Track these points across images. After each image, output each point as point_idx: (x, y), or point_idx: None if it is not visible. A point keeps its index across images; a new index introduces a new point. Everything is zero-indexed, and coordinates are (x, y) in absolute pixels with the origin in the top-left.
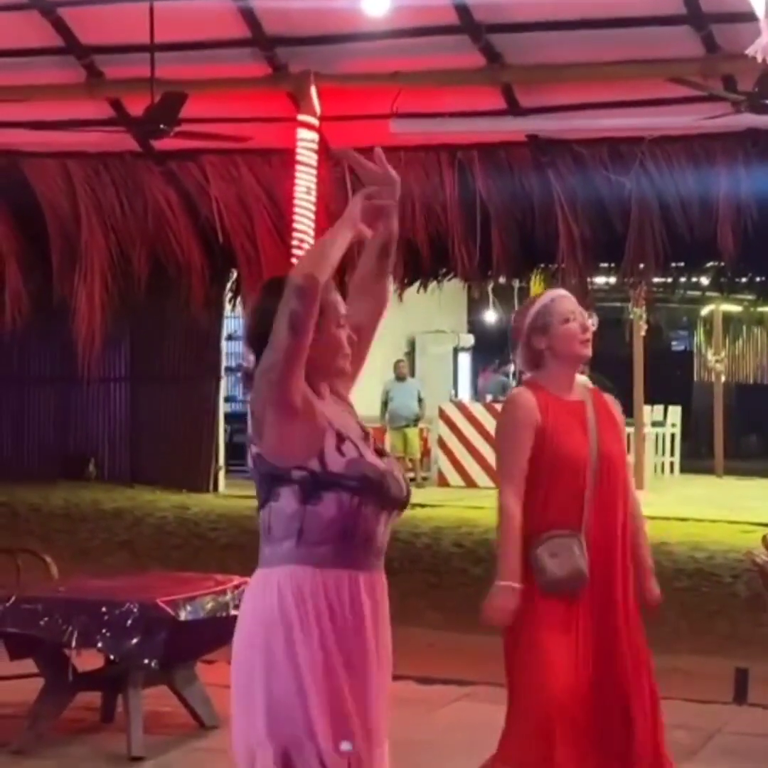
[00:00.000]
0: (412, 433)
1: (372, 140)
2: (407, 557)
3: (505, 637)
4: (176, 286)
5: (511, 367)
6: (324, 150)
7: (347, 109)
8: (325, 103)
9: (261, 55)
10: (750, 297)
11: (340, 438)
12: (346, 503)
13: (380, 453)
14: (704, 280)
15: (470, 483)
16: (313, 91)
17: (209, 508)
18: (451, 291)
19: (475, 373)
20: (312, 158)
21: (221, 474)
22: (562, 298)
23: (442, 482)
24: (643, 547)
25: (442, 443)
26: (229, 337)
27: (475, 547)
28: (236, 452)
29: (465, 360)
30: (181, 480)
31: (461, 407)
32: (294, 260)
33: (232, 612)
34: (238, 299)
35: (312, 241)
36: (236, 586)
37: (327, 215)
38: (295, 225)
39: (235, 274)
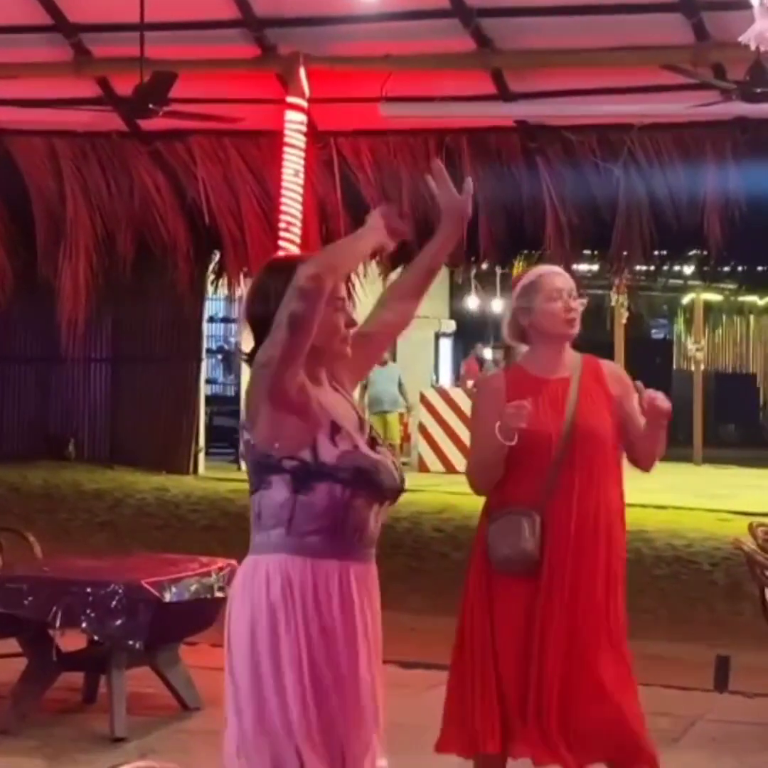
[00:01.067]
0: (393, 418)
1: (361, 123)
2: (388, 542)
3: (460, 613)
4: (161, 266)
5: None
6: (312, 132)
7: (336, 91)
8: (314, 85)
9: (250, 36)
10: (732, 286)
11: (335, 428)
12: (338, 494)
13: (375, 442)
14: (687, 269)
15: (450, 468)
16: (302, 72)
17: (189, 490)
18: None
19: (457, 359)
20: (300, 140)
21: (201, 456)
22: (551, 274)
23: (423, 468)
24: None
25: (422, 429)
26: (211, 319)
27: (456, 532)
28: (216, 434)
29: (446, 345)
30: (161, 461)
31: (442, 393)
32: (281, 242)
33: (217, 594)
34: (221, 281)
35: (299, 224)
36: (220, 569)
37: (314, 198)
38: (283, 208)
39: (217, 256)
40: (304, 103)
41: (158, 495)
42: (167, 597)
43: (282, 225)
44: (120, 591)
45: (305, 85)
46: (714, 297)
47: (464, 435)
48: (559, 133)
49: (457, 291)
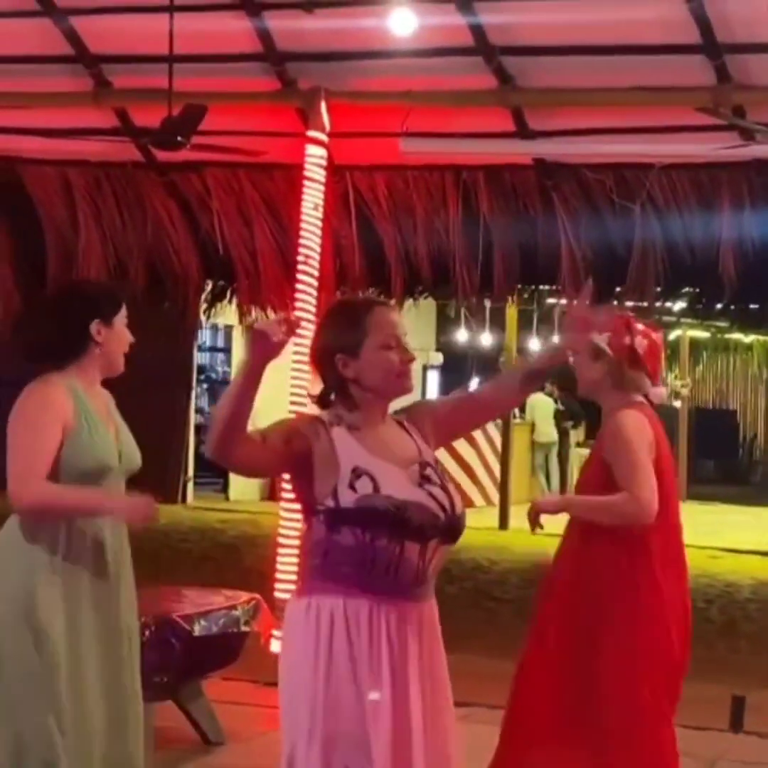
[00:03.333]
0: None
1: (377, 158)
2: None
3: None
4: (172, 297)
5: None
6: (329, 166)
7: (354, 126)
8: (334, 119)
9: (271, 70)
10: (723, 324)
11: (356, 474)
12: (360, 537)
13: (426, 480)
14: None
15: None
16: (323, 107)
17: (179, 520)
18: (421, 308)
19: (445, 392)
20: (320, 175)
21: (190, 485)
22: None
23: None
24: None
25: None
26: (200, 348)
27: (450, 566)
28: (203, 464)
29: (434, 378)
30: (149, 490)
31: None
32: (299, 275)
33: (243, 628)
34: (215, 310)
35: (317, 257)
36: (246, 602)
37: (329, 231)
38: (302, 241)
39: (210, 285)
40: (324, 138)
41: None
42: (197, 631)
43: (300, 258)
44: (151, 625)
45: (326, 119)
46: (701, 334)
47: (451, 466)
48: (576, 171)
49: (443, 324)
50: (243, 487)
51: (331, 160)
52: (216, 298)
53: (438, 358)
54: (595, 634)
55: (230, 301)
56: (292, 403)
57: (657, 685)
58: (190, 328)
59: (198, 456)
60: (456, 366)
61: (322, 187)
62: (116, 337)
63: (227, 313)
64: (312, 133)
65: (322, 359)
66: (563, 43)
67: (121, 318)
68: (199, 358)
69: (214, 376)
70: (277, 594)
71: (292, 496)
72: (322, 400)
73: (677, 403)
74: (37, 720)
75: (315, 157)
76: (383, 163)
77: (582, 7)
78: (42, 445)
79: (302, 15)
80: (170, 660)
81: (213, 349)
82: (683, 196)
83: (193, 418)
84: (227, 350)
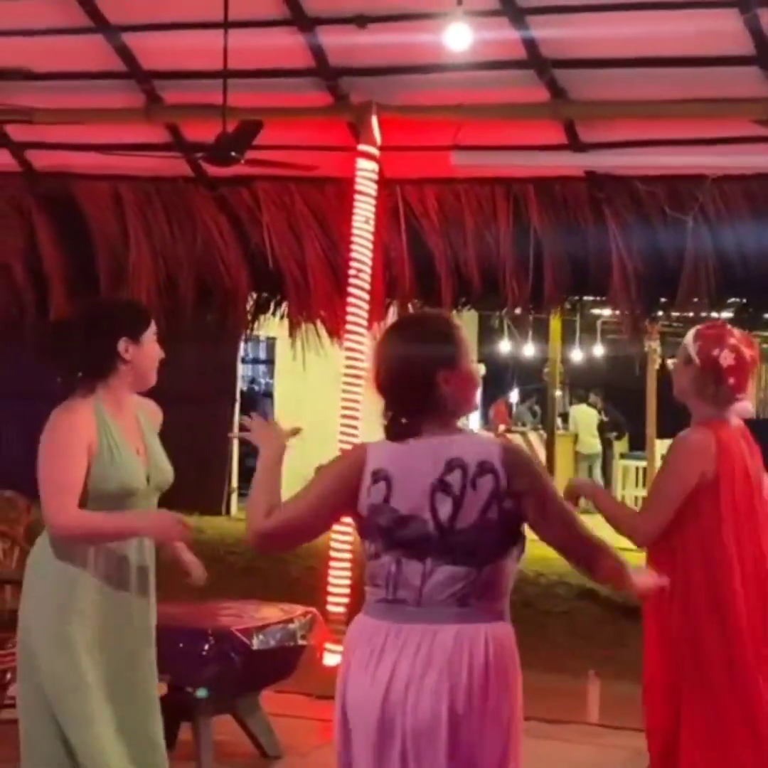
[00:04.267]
0: None
1: (427, 171)
2: None
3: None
4: (221, 310)
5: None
6: (381, 180)
7: (405, 139)
8: (384, 133)
9: (323, 85)
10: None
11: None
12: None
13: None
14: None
15: None
16: (374, 121)
17: (224, 532)
18: (463, 319)
19: (487, 403)
20: (371, 188)
21: (234, 497)
22: None
23: None
24: None
25: None
26: (243, 360)
27: None
28: (248, 475)
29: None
30: (194, 502)
31: None
32: (350, 288)
33: (299, 642)
34: (257, 323)
35: (369, 271)
36: (302, 616)
37: (380, 245)
38: (353, 254)
39: (253, 297)
40: (375, 152)
41: (193, 536)
42: (255, 644)
43: (352, 271)
44: (210, 638)
45: (377, 133)
46: None
47: None
48: (628, 183)
49: (485, 335)
50: (285, 498)
51: (381, 174)
52: (260, 310)
53: (480, 370)
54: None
55: (274, 313)
56: (344, 425)
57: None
58: (234, 340)
59: (242, 467)
60: (498, 377)
61: (373, 201)
62: (145, 354)
63: (270, 325)
64: (363, 147)
65: (421, 375)
66: (615, 55)
67: (150, 335)
68: (246, 370)
69: (256, 387)
70: (329, 607)
71: None
72: (412, 417)
73: None
74: (82, 731)
75: (366, 171)
76: (433, 176)
77: (634, 19)
78: (70, 473)
79: (354, 30)
80: (229, 674)
81: (256, 360)
82: (736, 208)
83: (237, 430)
84: (270, 362)
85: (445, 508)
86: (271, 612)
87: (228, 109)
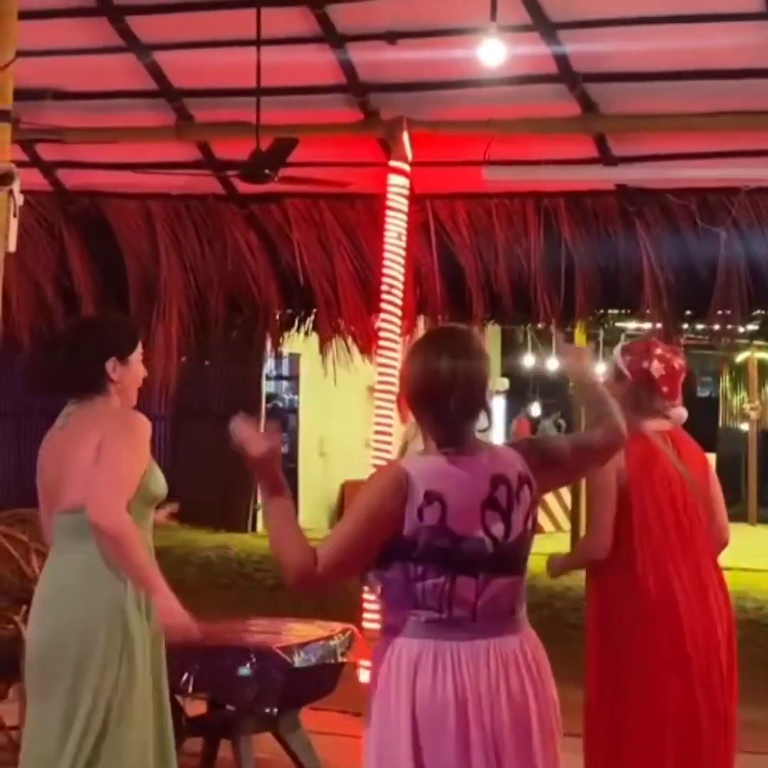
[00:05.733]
0: None
1: (457, 186)
2: None
3: None
4: (252, 327)
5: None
6: (411, 195)
7: (435, 155)
8: (415, 149)
9: (354, 101)
10: None
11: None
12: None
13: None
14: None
15: None
16: (405, 137)
17: (250, 549)
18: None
19: (510, 417)
20: (403, 204)
21: (259, 513)
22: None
23: None
24: None
25: None
26: (267, 377)
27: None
28: None
29: (499, 404)
30: (220, 519)
31: None
32: (383, 304)
33: (340, 659)
34: (283, 338)
35: (401, 286)
36: (342, 632)
37: (410, 260)
38: (385, 270)
39: (282, 313)
40: (407, 168)
41: (220, 553)
42: (297, 662)
43: (384, 287)
44: (252, 656)
45: (408, 149)
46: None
47: None
48: (660, 197)
49: (508, 349)
50: (311, 514)
51: (412, 189)
52: (284, 326)
53: (503, 383)
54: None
55: (298, 330)
56: (378, 440)
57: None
58: (259, 356)
59: None
60: (521, 391)
61: (404, 217)
62: (131, 373)
63: (294, 342)
64: (394, 163)
65: (481, 390)
66: (645, 68)
67: (137, 355)
68: (269, 386)
69: (280, 404)
70: (365, 624)
71: None
72: (466, 432)
73: (745, 426)
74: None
75: (397, 187)
76: (463, 191)
77: (664, 33)
78: (136, 477)
79: (384, 46)
80: (271, 691)
81: (279, 377)
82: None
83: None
84: (293, 378)
85: (497, 525)
86: (310, 629)
87: (260, 127)
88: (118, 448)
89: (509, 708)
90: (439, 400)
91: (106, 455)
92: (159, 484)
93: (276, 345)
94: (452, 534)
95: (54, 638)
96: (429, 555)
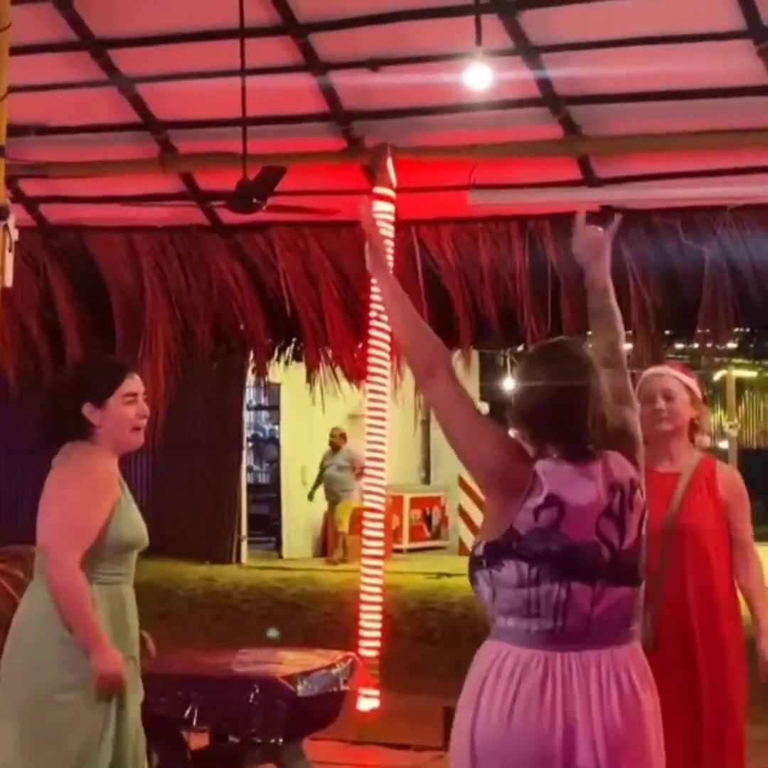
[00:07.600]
0: (342, 506)
1: (442, 211)
2: (446, 627)
3: None
4: (238, 358)
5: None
6: (396, 221)
7: (419, 180)
8: (400, 175)
9: (337, 129)
10: None
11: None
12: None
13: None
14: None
15: None
16: (390, 164)
17: (236, 580)
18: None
19: None
20: (389, 230)
21: (243, 544)
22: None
23: (463, 551)
24: None
25: (462, 511)
26: (247, 407)
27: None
28: (254, 523)
29: None
30: (204, 551)
31: None
32: (371, 330)
33: (342, 687)
34: (267, 368)
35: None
36: (343, 660)
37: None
38: (373, 297)
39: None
40: (392, 194)
41: (206, 585)
42: (300, 691)
43: (373, 314)
44: (255, 686)
45: (393, 175)
46: (747, 374)
47: None
48: (644, 216)
49: (490, 372)
50: (295, 545)
51: (397, 215)
52: (269, 355)
53: (483, 408)
54: None
55: (278, 359)
56: (371, 466)
57: None
58: (239, 387)
59: (250, 514)
60: (500, 415)
61: (391, 243)
62: (112, 417)
63: (275, 372)
64: (379, 190)
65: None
66: (628, 90)
67: (119, 396)
68: (251, 417)
69: (260, 434)
70: (361, 651)
71: (372, 552)
72: (591, 443)
73: (724, 444)
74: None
75: (383, 213)
76: (448, 216)
77: (646, 54)
78: (94, 521)
79: (367, 73)
80: (276, 722)
81: (259, 407)
82: (752, 237)
83: (244, 477)
84: (273, 408)
85: (613, 533)
86: (311, 658)
87: (235, 155)
88: (74, 490)
89: (621, 710)
90: (565, 415)
91: (62, 498)
92: (133, 530)
93: (263, 374)
94: (566, 539)
95: (11, 663)
96: (542, 556)
